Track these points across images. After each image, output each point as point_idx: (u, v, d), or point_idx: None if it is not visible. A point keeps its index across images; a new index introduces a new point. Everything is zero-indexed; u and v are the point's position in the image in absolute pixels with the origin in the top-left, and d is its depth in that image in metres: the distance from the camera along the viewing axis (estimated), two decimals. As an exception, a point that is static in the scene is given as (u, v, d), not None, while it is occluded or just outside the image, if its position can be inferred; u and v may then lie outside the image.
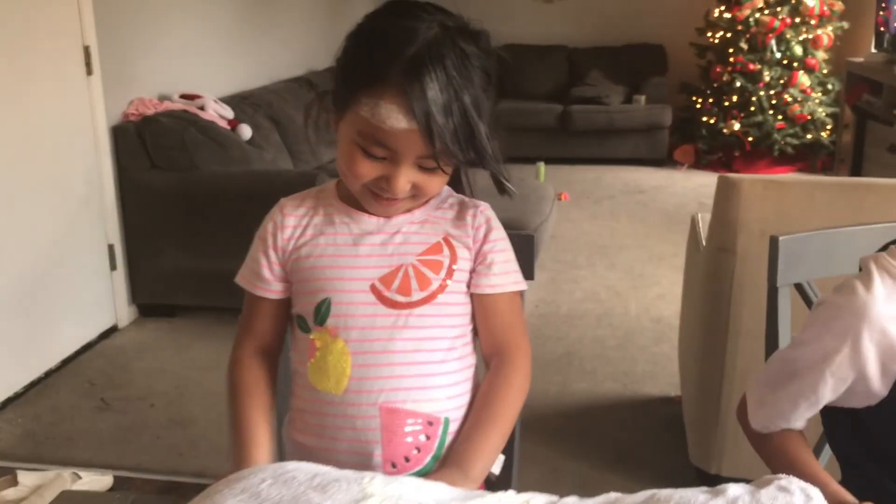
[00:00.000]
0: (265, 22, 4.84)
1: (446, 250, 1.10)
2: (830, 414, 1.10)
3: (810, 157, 5.93)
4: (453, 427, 1.08)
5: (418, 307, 1.07)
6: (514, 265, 1.14)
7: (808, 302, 1.33)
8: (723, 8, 6.01)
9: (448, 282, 1.09)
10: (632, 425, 2.65)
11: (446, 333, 1.09)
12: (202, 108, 3.69)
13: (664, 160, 6.34)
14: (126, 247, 3.49)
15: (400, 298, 1.06)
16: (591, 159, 6.29)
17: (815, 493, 0.79)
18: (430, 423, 1.06)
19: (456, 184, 1.17)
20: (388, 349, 1.05)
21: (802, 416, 1.08)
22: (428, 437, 1.05)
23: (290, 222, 1.12)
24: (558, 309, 3.61)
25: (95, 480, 2.38)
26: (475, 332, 1.15)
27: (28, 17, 2.95)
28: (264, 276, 1.13)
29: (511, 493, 0.83)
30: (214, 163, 3.44)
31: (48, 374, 3.07)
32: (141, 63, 3.63)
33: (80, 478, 2.37)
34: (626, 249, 4.39)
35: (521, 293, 1.16)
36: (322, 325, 1.07)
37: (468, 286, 1.12)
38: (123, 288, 3.49)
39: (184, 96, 3.76)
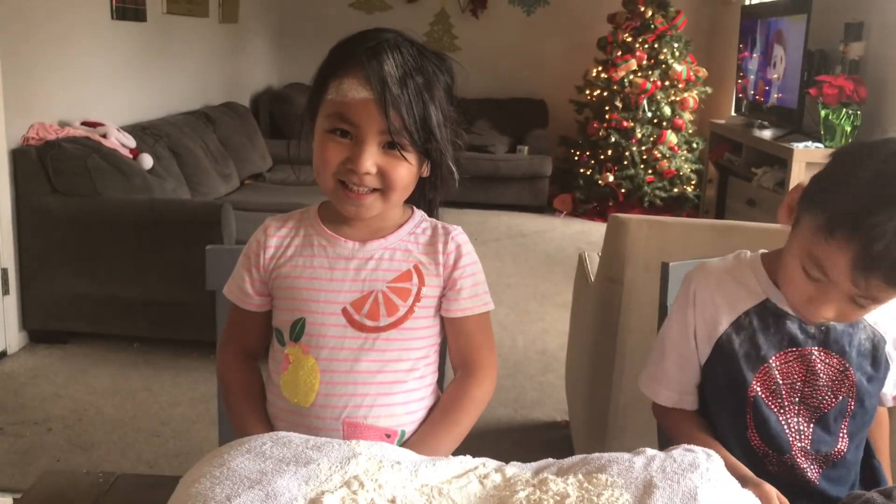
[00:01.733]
0: (165, 55, 4.87)
1: (415, 278, 1.16)
2: None
3: (676, 209, 6.40)
4: (408, 437, 1.18)
5: (385, 332, 1.14)
6: (483, 287, 1.21)
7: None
8: (600, 69, 6.46)
9: (416, 308, 1.15)
10: (524, 447, 2.84)
11: (410, 356, 1.17)
12: (104, 136, 3.69)
13: (545, 207, 6.69)
14: (20, 271, 3.43)
15: (368, 323, 1.13)
16: (478, 203, 6.57)
17: (713, 453, 0.98)
18: (388, 436, 1.16)
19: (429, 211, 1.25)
20: (353, 369, 1.14)
21: (692, 380, 1.28)
22: None
23: (273, 242, 1.19)
24: (451, 341, 3.76)
25: (-6, 502, 2.34)
26: (443, 346, 1.23)
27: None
28: (247, 291, 1.21)
29: (468, 457, 0.99)
30: (117, 190, 3.45)
31: (-67, 399, 2.98)
32: (43, 88, 3.61)
33: (-24, 499, 2.33)
34: (511, 287, 4.63)
35: (488, 312, 1.23)
36: (296, 342, 1.15)
37: (437, 310, 1.18)
38: (15, 313, 3.42)
39: (86, 123, 3.75)
